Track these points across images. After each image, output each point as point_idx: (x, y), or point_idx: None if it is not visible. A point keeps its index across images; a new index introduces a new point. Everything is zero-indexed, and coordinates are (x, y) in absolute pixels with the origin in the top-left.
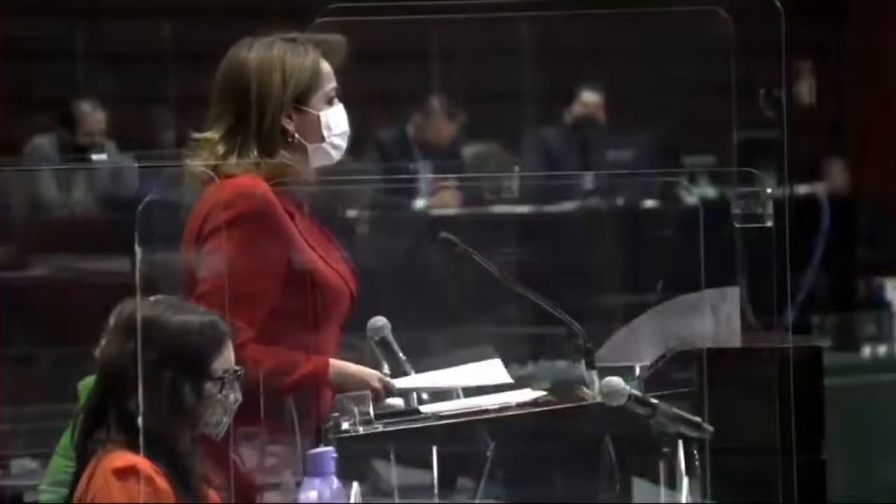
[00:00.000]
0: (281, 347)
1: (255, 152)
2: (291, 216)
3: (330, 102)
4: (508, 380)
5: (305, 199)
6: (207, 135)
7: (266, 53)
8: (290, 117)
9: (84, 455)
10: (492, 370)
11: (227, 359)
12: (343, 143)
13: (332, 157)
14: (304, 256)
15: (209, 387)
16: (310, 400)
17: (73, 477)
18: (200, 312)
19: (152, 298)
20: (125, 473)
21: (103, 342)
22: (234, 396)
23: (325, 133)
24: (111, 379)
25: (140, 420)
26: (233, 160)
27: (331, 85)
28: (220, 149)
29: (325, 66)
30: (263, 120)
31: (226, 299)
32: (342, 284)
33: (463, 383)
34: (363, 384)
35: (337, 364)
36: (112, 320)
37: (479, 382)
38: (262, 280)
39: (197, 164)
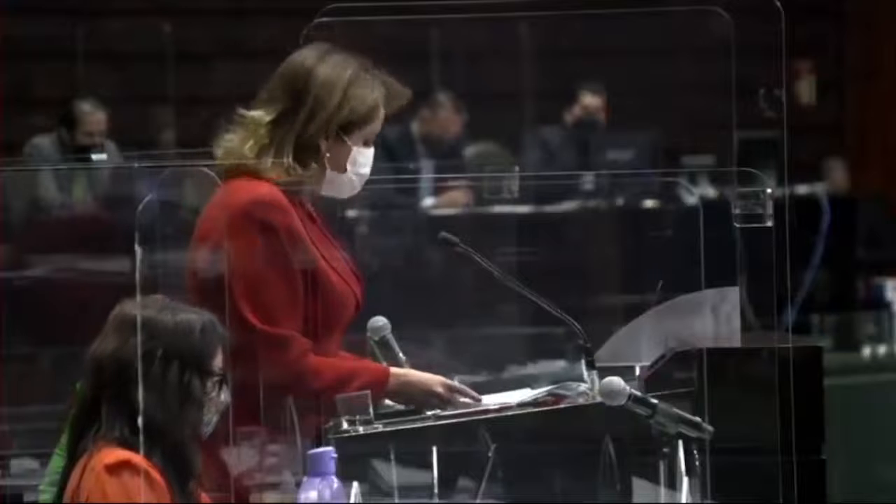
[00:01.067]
0: (337, 357)
1: (291, 155)
2: (301, 222)
3: (366, 143)
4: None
5: (310, 204)
6: (256, 115)
7: (337, 73)
8: (326, 138)
9: (75, 453)
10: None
11: (221, 358)
12: (359, 185)
13: (342, 192)
14: (316, 264)
15: (209, 385)
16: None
17: (62, 474)
18: (197, 311)
19: (140, 299)
20: (117, 468)
21: (97, 341)
22: (225, 396)
23: (349, 167)
24: (108, 377)
25: (140, 419)
26: (268, 161)
27: (376, 128)
28: (264, 134)
29: (381, 110)
30: (307, 129)
31: (264, 307)
32: (348, 291)
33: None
34: (426, 391)
35: (398, 372)
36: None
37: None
38: (297, 288)
39: (219, 161)
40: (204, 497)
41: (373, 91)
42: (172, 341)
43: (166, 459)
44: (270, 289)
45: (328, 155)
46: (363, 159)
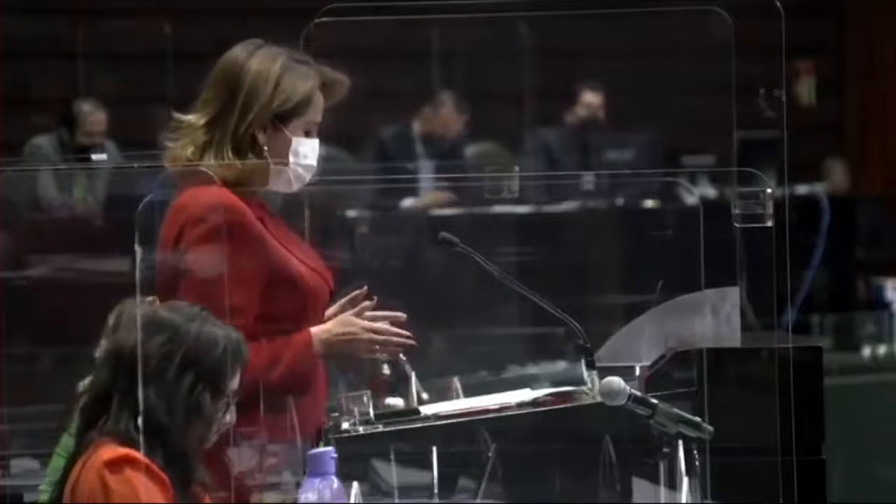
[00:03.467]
0: (261, 343)
1: (230, 151)
2: (262, 221)
3: (307, 133)
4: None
5: (270, 203)
6: (192, 118)
7: (268, 65)
8: (264, 130)
9: (82, 441)
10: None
11: (236, 381)
12: (306, 177)
13: (290, 185)
14: (280, 260)
15: (220, 405)
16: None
17: (66, 463)
18: (226, 328)
19: (174, 304)
20: (118, 464)
21: (121, 332)
22: (230, 418)
23: (292, 158)
24: (124, 369)
25: (140, 420)
26: (210, 158)
27: (315, 117)
28: (201, 135)
29: (318, 99)
30: (241, 123)
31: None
32: (321, 281)
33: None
34: (347, 334)
35: (318, 331)
36: (112, 320)
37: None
38: (243, 292)
39: (185, 166)
40: (207, 498)
41: (306, 80)
42: (192, 352)
43: (168, 462)
44: (215, 291)
45: (266, 148)
46: (305, 150)
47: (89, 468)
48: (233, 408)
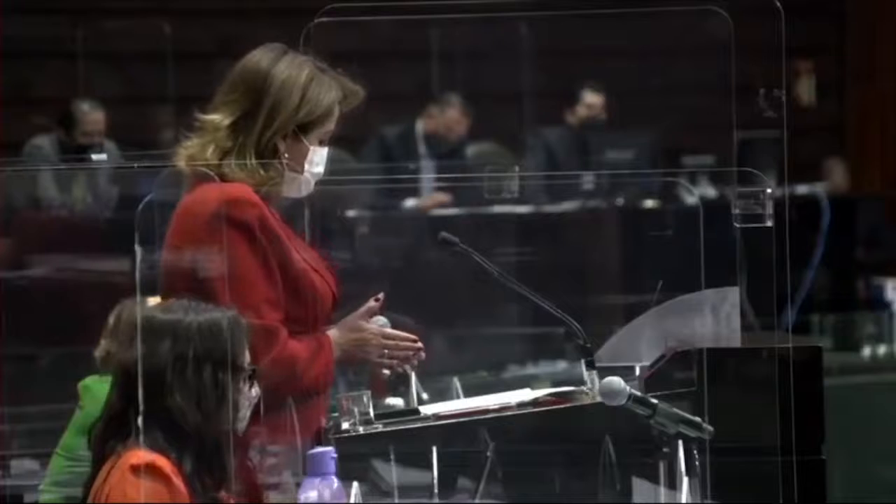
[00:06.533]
0: (303, 339)
1: (253, 158)
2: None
3: (322, 142)
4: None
5: (278, 207)
6: (216, 118)
7: (294, 74)
8: (284, 138)
9: (101, 457)
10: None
11: (248, 353)
12: (312, 183)
13: (300, 191)
14: (293, 263)
15: (241, 381)
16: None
17: (87, 478)
18: (220, 309)
19: (166, 302)
20: (141, 470)
21: (116, 347)
22: (256, 390)
23: (307, 166)
24: (135, 384)
25: (140, 420)
26: (232, 161)
27: (331, 127)
28: (224, 138)
29: (337, 109)
30: (266, 132)
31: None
32: (326, 286)
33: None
34: (359, 340)
35: (333, 335)
36: (112, 320)
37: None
38: (276, 280)
39: (198, 164)
40: (231, 499)
41: (329, 91)
42: (202, 343)
43: (199, 465)
44: (251, 284)
45: (286, 155)
46: (318, 158)
47: (116, 469)
48: (255, 381)
